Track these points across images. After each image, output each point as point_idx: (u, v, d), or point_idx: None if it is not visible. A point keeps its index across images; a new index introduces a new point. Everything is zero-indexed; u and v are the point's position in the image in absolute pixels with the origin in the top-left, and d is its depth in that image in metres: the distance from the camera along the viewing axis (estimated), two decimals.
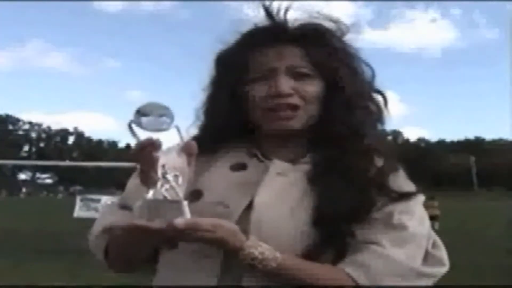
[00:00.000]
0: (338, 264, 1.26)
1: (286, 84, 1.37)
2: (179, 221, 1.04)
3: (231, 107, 1.44)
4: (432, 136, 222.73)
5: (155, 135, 1.11)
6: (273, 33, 1.43)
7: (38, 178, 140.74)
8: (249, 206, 1.30)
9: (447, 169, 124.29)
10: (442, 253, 1.38)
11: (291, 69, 1.39)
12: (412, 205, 1.36)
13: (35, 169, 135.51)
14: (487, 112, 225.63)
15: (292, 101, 1.38)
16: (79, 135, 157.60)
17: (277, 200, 1.31)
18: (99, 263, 1.41)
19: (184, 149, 1.17)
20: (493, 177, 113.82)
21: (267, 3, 1.46)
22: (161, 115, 1.13)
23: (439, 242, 1.41)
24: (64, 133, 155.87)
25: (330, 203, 1.29)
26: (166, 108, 1.14)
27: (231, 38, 1.48)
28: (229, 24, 1.48)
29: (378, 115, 1.47)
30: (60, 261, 10.61)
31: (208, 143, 1.44)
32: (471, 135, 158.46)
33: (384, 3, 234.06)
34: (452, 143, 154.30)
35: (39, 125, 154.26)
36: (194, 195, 1.33)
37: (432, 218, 29.27)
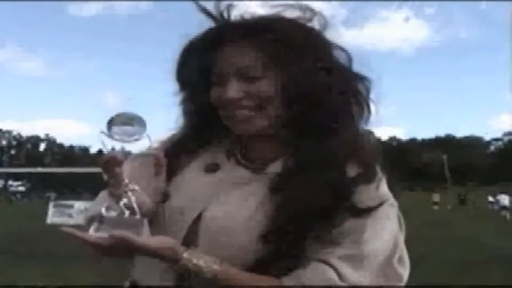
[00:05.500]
0: (282, 278, 1.25)
1: (235, 89, 1.32)
2: (114, 233, 1.11)
3: (204, 110, 1.43)
4: (405, 134, 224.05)
5: (126, 145, 1.19)
6: (220, 34, 1.37)
7: (11, 185, 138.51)
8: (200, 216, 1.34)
9: (420, 167, 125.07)
10: (404, 268, 1.33)
11: (241, 72, 1.33)
12: (374, 222, 1.29)
13: (7, 176, 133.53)
14: (458, 109, 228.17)
15: (245, 103, 1.33)
16: (50, 141, 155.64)
17: (230, 212, 1.31)
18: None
19: (153, 162, 1.29)
20: (466, 174, 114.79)
21: (203, 4, 1.40)
22: (133, 126, 1.18)
23: (405, 257, 1.35)
24: (35, 140, 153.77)
25: (282, 218, 1.25)
26: (138, 118, 1.19)
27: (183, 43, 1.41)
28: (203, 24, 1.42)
29: (359, 106, 1.38)
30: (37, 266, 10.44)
31: (189, 143, 1.49)
32: (442, 133, 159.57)
33: (358, 2, 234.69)
34: (423, 141, 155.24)
35: (9, 132, 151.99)
36: (164, 197, 1.37)
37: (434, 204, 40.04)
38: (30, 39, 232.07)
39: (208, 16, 1.39)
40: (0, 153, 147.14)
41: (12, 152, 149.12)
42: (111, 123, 1.17)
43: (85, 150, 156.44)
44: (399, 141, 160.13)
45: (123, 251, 1.16)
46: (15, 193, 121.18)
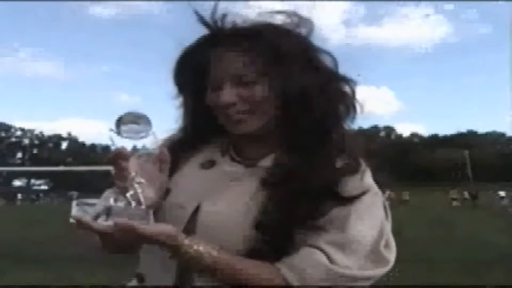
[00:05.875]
0: (277, 264, 1.33)
1: (229, 94, 1.40)
2: (118, 221, 1.16)
3: (201, 111, 1.52)
4: (426, 131, 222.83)
5: (134, 142, 1.28)
6: (217, 42, 1.45)
7: (33, 184, 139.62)
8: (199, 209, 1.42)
9: (441, 164, 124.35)
10: (391, 253, 1.41)
11: (236, 77, 1.40)
12: (359, 208, 1.37)
13: (30, 175, 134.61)
14: (479, 105, 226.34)
15: (240, 108, 1.41)
16: (72, 140, 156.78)
17: (225, 205, 1.41)
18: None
19: (158, 157, 1.37)
20: (488, 170, 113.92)
21: (200, 10, 1.47)
22: (139, 124, 1.27)
23: (391, 241, 1.43)
24: (57, 139, 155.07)
25: (275, 209, 1.34)
26: (144, 117, 1.27)
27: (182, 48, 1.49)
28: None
29: (344, 106, 1.46)
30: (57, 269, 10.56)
31: (188, 142, 1.59)
32: (463, 129, 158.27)
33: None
34: (445, 137, 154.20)
35: (32, 131, 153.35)
36: (165, 192, 1.43)
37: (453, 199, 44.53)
38: (51, 40, 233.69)
39: (204, 24, 1.46)
40: (22, 152, 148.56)
41: (35, 151, 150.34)
42: (119, 121, 1.25)
43: (106, 148, 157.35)
44: (420, 137, 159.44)
45: (128, 239, 1.20)
46: (37, 191, 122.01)
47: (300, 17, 1.46)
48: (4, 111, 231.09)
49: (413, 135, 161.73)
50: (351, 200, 1.37)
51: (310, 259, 1.31)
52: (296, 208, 1.33)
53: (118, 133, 1.26)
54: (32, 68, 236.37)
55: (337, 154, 1.42)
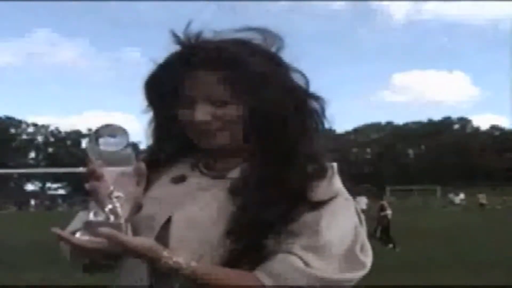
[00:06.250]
0: (256, 272, 1.45)
1: (203, 112, 1.54)
2: (102, 230, 1.31)
3: (172, 127, 1.66)
4: (510, 123, 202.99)
5: (111, 155, 1.39)
6: (190, 61, 1.56)
7: (49, 188, 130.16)
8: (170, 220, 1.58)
9: None
10: (367, 257, 1.54)
11: (209, 97, 1.54)
12: (330, 213, 1.52)
13: (45, 178, 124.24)
14: None
15: (212, 127, 1.56)
16: None
17: (196, 214, 1.54)
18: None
19: (135, 171, 1.47)
20: None
21: (177, 31, 1.59)
22: (116, 137, 1.39)
23: (367, 246, 1.57)
24: (75, 136, 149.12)
25: (245, 215, 1.48)
26: (121, 130, 1.40)
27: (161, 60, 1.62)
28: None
29: (313, 123, 1.62)
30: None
31: (160, 158, 1.73)
32: None
33: None
34: None
35: (46, 127, 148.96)
36: (138, 207, 1.53)
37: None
38: (66, 25, 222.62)
39: (177, 43, 1.60)
40: (35, 152, 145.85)
41: (50, 149, 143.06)
42: (97, 133, 1.38)
43: (133, 146, 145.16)
44: (502, 130, 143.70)
45: (106, 251, 1.34)
46: (54, 196, 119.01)
47: (270, 34, 1.61)
48: (14, 104, 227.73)
49: (493, 127, 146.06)
50: (320, 204, 1.51)
51: (286, 265, 1.44)
52: (266, 214, 1.47)
53: (96, 145, 1.38)
54: (46, 55, 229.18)
55: (305, 162, 1.56)
